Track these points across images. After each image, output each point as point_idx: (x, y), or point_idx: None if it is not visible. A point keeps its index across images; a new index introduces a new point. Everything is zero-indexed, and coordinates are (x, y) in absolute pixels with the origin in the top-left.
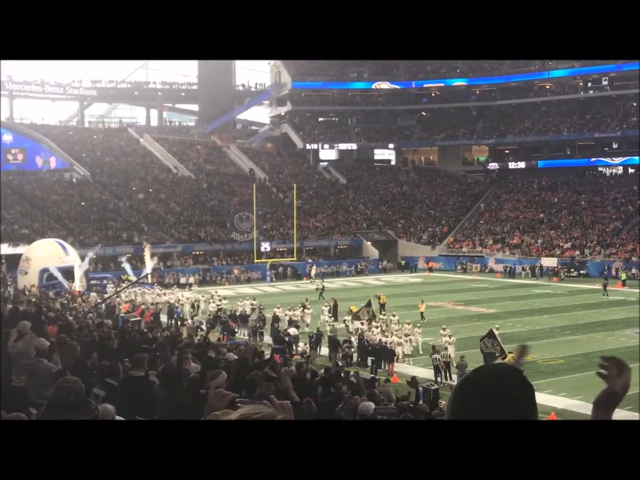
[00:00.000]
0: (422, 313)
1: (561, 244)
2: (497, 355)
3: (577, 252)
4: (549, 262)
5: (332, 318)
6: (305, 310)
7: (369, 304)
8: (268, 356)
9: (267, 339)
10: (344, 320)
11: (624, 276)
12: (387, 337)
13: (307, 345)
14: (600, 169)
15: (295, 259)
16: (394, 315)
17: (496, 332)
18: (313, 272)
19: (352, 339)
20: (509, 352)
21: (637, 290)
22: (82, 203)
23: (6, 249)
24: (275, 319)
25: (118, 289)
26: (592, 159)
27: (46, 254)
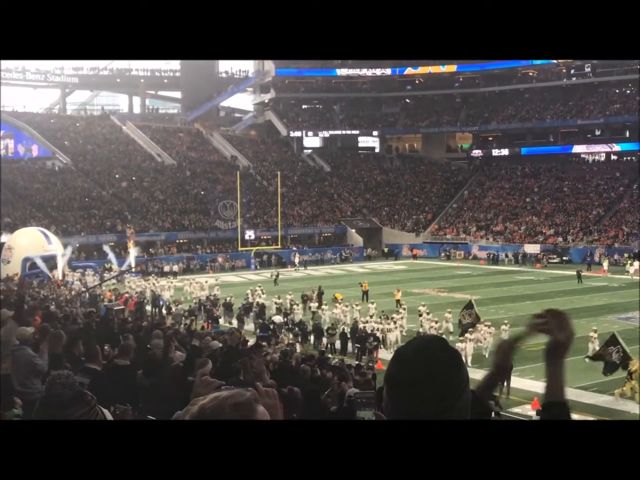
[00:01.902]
0: (398, 301)
1: (544, 231)
2: (475, 324)
3: (560, 239)
4: (532, 248)
5: (317, 305)
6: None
7: (470, 306)
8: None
9: (251, 326)
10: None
11: (606, 262)
12: (380, 324)
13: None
14: (583, 155)
15: (279, 246)
16: (372, 303)
17: (474, 302)
18: (297, 260)
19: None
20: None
21: (619, 276)
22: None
23: None
24: (260, 307)
25: (102, 279)
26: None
27: (29, 243)
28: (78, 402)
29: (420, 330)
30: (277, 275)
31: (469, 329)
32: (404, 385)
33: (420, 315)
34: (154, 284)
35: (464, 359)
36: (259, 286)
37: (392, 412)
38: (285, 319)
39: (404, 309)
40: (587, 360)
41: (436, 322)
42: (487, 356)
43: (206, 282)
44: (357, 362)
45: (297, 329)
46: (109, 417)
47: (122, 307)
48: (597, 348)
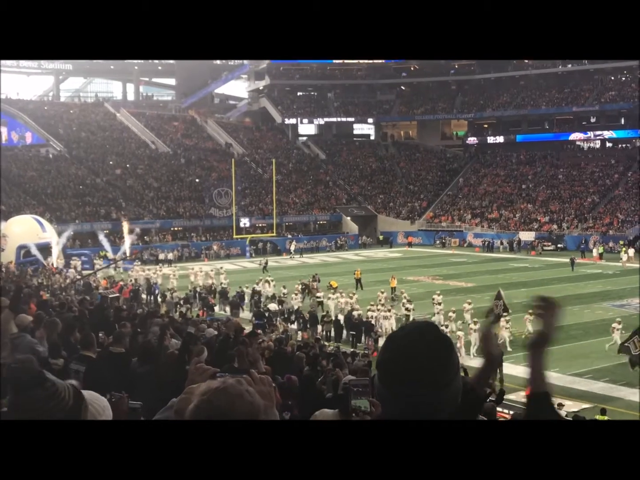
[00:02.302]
0: (393, 288)
1: (539, 218)
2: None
3: (555, 226)
4: (526, 236)
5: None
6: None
7: (499, 296)
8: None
9: (247, 314)
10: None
11: (600, 249)
12: (374, 311)
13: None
14: (578, 143)
15: (274, 234)
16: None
17: (502, 293)
18: (292, 248)
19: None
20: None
21: (613, 264)
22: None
23: None
24: (256, 294)
25: (97, 268)
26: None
27: (23, 231)
28: (34, 388)
29: (434, 318)
30: (266, 263)
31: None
32: (395, 369)
33: (439, 303)
34: (156, 273)
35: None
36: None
37: (385, 399)
38: (280, 307)
39: (405, 297)
40: (607, 347)
41: (454, 312)
42: (508, 348)
43: (212, 270)
44: (352, 350)
45: (293, 317)
46: (97, 406)
47: (117, 294)
48: (619, 340)
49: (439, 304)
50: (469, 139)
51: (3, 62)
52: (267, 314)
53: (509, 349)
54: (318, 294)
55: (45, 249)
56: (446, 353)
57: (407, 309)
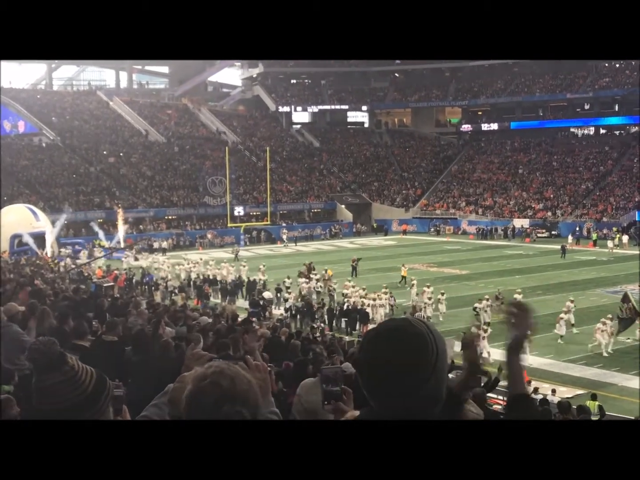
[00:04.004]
0: (404, 277)
1: (533, 205)
2: (634, 319)
3: (549, 213)
4: (521, 223)
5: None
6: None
7: (626, 299)
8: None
9: (242, 302)
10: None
11: (594, 236)
12: (367, 299)
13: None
14: (572, 129)
15: (269, 223)
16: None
17: (630, 296)
18: (285, 237)
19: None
20: None
21: (607, 250)
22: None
23: None
24: (251, 283)
25: (92, 257)
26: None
27: (17, 220)
28: (52, 370)
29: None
30: (238, 252)
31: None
32: (370, 368)
33: (429, 298)
34: (143, 260)
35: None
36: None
37: (368, 392)
38: (278, 295)
39: (412, 285)
40: (590, 347)
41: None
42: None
43: (225, 262)
44: (344, 337)
45: (287, 305)
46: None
47: (112, 283)
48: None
49: (429, 298)
50: (463, 126)
51: None
52: (261, 302)
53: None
54: (331, 284)
55: (39, 238)
56: (421, 349)
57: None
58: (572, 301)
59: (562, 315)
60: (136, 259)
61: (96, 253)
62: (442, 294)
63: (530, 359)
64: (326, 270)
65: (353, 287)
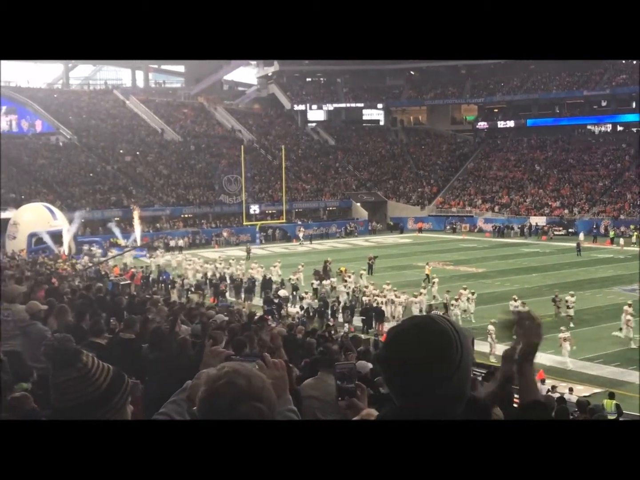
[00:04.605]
0: (427, 275)
1: (550, 203)
2: None
3: (566, 211)
4: (537, 220)
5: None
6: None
7: None
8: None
9: (257, 300)
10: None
11: (612, 234)
12: (382, 297)
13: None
14: (589, 127)
15: (284, 221)
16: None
17: None
18: (301, 235)
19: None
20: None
21: (625, 248)
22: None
23: None
24: (267, 281)
25: (109, 255)
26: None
27: (34, 218)
28: (66, 367)
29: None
30: (250, 250)
31: None
32: (393, 365)
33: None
34: (160, 258)
35: None
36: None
37: (390, 390)
38: (294, 293)
39: (433, 283)
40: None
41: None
42: None
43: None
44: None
45: (303, 303)
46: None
47: (129, 281)
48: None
49: (456, 299)
50: (479, 123)
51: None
52: (276, 300)
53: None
54: (348, 282)
55: (56, 236)
56: (445, 347)
57: (434, 297)
58: (572, 295)
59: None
60: (151, 257)
61: (112, 251)
62: (473, 293)
63: (546, 357)
64: (342, 270)
65: (372, 284)
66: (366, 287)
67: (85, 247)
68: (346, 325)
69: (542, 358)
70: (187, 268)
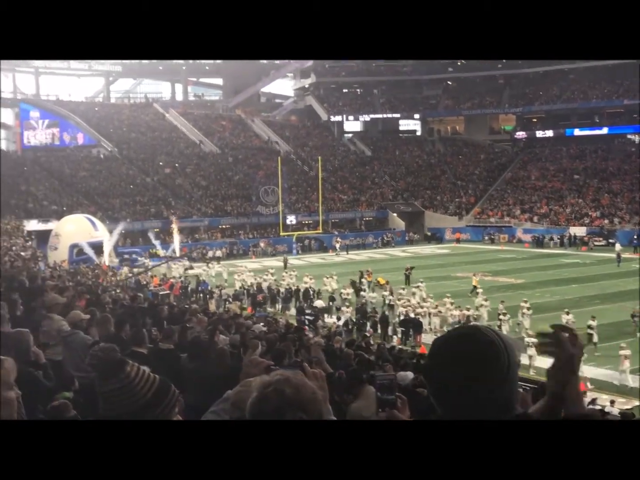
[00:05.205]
0: (475, 287)
1: (590, 213)
2: None
3: (606, 221)
4: (577, 231)
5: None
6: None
7: None
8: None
9: (294, 311)
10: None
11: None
12: (420, 308)
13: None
14: (629, 136)
15: (321, 231)
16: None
17: None
18: (338, 245)
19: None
20: None
21: None
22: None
23: (36, 225)
24: (305, 291)
25: (149, 266)
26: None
27: (76, 230)
28: (110, 377)
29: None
30: (287, 260)
31: None
32: (439, 375)
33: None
34: (198, 269)
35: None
36: (332, 274)
37: (436, 401)
38: (331, 304)
39: (477, 294)
40: None
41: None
42: None
43: (294, 272)
44: (399, 346)
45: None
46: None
47: (168, 292)
48: None
49: (504, 313)
50: (517, 133)
51: (54, 64)
52: (313, 311)
53: None
54: (385, 293)
55: (97, 247)
56: (493, 357)
57: (481, 305)
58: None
59: None
60: (190, 268)
61: (150, 262)
62: (528, 308)
63: (589, 370)
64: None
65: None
66: (407, 299)
67: (135, 258)
68: (394, 337)
69: (585, 370)
70: (240, 278)
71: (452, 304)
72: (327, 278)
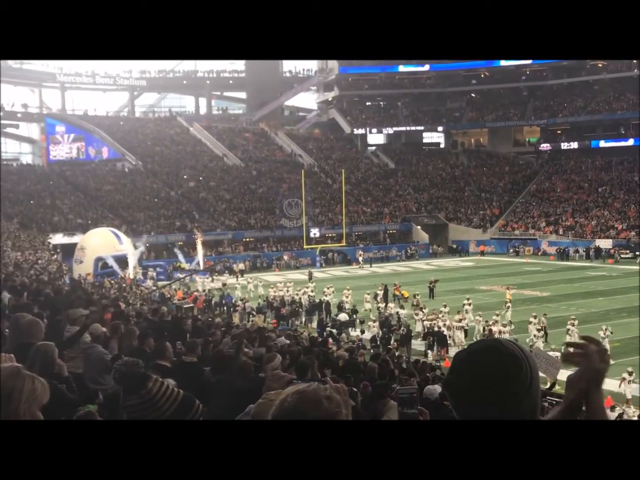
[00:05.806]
0: (509, 300)
1: (616, 225)
2: None
3: (633, 233)
4: (603, 243)
5: (383, 303)
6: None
7: None
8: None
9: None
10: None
11: None
12: (443, 322)
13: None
14: None
15: (344, 244)
16: (445, 307)
17: None
18: (361, 258)
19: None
20: None
21: None
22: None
23: (61, 239)
24: (326, 304)
25: (173, 279)
26: None
27: (101, 243)
28: (132, 392)
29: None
30: (312, 274)
31: None
32: (461, 390)
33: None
34: (222, 282)
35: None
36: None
37: (458, 414)
38: (354, 317)
39: (508, 307)
40: None
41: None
42: None
43: (329, 287)
44: (422, 360)
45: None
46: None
47: (192, 305)
48: None
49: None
50: (542, 145)
51: (80, 79)
52: (333, 325)
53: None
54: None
55: (122, 260)
56: (515, 370)
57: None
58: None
59: None
60: (213, 281)
61: (175, 275)
62: (573, 324)
63: (615, 384)
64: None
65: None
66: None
67: (149, 273)
68: (429, 352)
69: (611, 384)
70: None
71: (480, 315)
72: (347, 290)
